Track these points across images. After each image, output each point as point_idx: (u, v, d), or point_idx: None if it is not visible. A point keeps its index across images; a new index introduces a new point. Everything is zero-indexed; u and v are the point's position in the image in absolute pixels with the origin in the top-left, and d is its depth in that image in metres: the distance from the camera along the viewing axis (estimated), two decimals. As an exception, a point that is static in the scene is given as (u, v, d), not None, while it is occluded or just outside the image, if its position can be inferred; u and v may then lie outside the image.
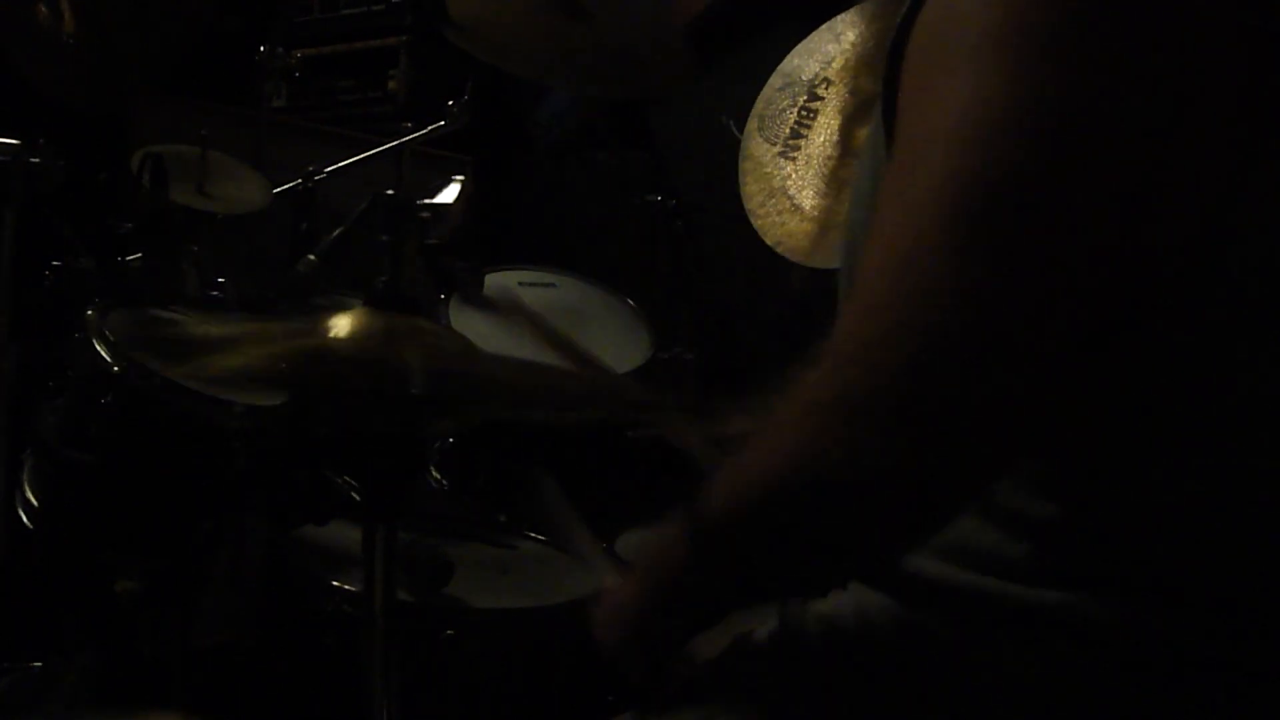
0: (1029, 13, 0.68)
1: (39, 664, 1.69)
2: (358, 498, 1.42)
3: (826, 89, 1.71)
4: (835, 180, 1.67)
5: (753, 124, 1.77)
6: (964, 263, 0.67)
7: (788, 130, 1.73)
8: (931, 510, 0.72)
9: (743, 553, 0.78)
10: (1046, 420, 0.70)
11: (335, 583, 1.47)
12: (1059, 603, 0.75)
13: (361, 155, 2.14)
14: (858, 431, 0.68)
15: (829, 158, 1.69)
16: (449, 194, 1.94)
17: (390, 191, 1.43)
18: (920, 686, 0.81)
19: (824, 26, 1.75)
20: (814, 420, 0.71)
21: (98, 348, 1.48)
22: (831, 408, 0.70)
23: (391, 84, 2.98)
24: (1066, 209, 0.67)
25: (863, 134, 1.67)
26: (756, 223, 1.73)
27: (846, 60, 1.71)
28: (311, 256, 1.90)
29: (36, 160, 1.59)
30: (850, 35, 1.72)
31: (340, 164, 2.11)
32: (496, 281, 2.01)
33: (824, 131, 1.70)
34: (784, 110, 1.74)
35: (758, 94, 1.78)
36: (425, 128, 2.12)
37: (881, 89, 0.77)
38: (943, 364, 0.67)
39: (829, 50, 1.74)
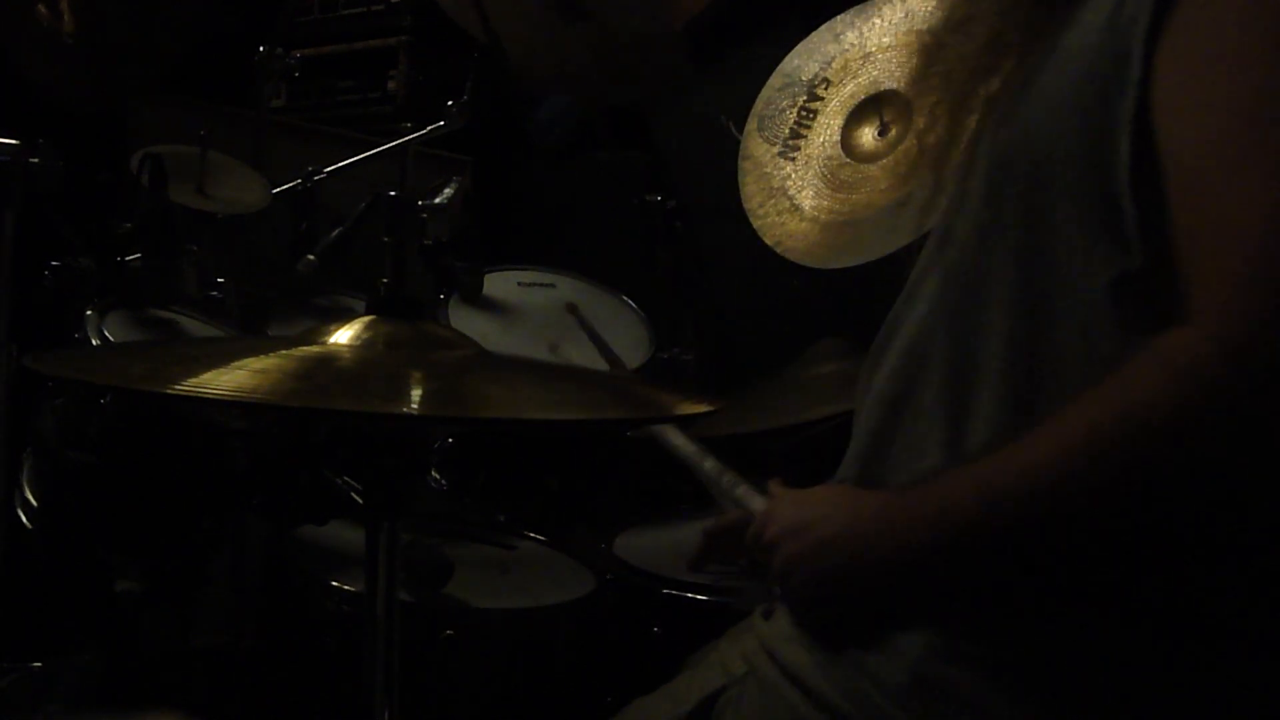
0: None
1: (39, 664, 1.69)
2: (358, 498, 1.42)
3: (826, 89, 1.71)
4: (835, 180, 1.67)
5: (752, 124, 1.77)
6: None
7: (787, 130, 1.73)
8: None
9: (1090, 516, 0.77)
10: None
11: (335, 583, 1.48)
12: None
13: (361, 155, 2.14)
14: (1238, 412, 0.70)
15: (829, 158, 1.69)
16: (448, 194, 1.95)
17: (391, 192, 1.43)
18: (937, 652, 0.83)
19: (824, 26, 1.75)
20: (1172, 391, 0.72)
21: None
22: (1201, 380, 0.72)
23: (391, 84, 2.97)
24: None
25: (864, 134, 1.67)
26: (756, 223, 1.73)
27: (847, 60, 1.71)
28: (311, 256, 1.90)
29: (36, 160, 1.58)
30: (850, 35, 1.72)
31: (340, 164, 2.11)
32: (496, 281, 2.01)
33: (824, 131, 1.70)
34: (784, 110, 1.74)
35: (758, 94, 1.78)
36: (425, 128, 2.12)
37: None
38: None
39: (829, 50, 1.74)
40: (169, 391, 0.81)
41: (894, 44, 1.66)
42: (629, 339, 1.99)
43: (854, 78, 1.70)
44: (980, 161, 0.88)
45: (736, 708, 0.94)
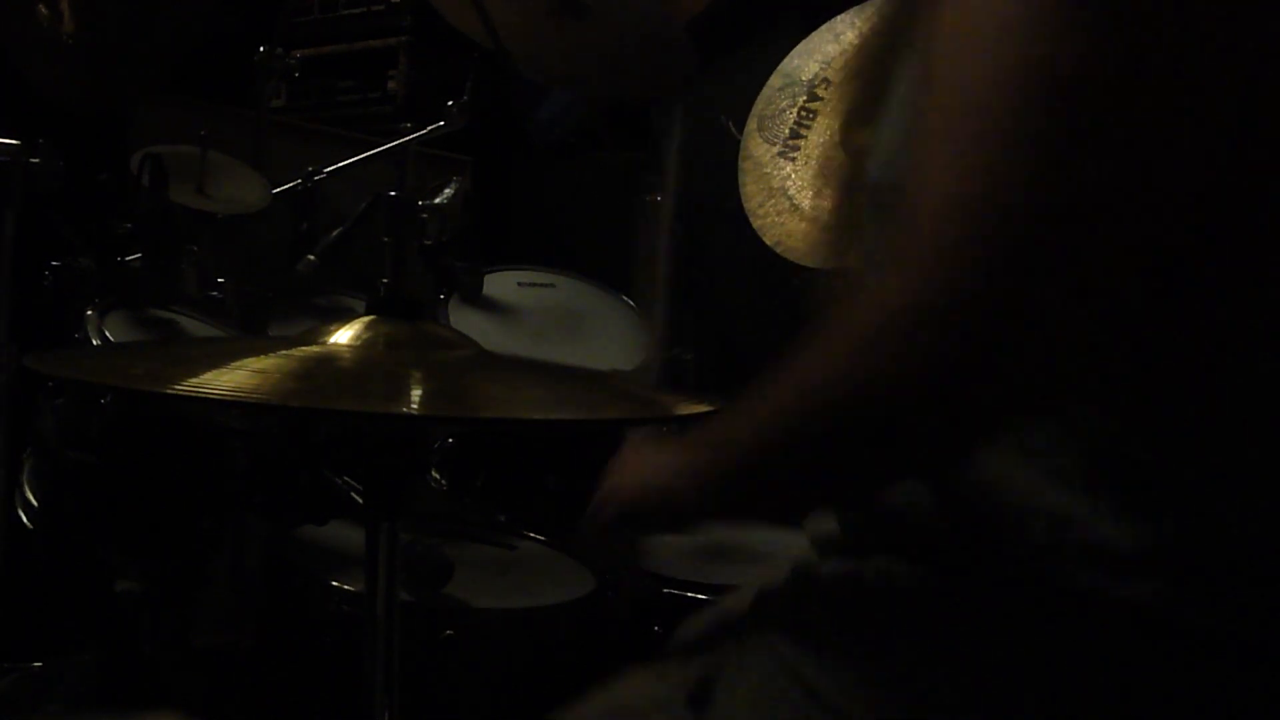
0: None
1: (39, 664, 1.69)
2: (358, 498, 1.42)
3: (826, 89, 1.72)
4: (835, 180, 1.68)
5: (752, 124, 1.77)
6: (1050, 150, 0.66)
7: (787, 130, 1.73)
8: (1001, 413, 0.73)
9: (797, 457, 0.81)
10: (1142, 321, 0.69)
11: (335, 583, 1.48)
12: (1151, 595, 0.77)
13: (361, 155, 2.14)
14: (943, 336, 0.69)
15: (828, 158, 1.69)
16: (448, 194, 1.95)
17: (391, 192, 1.43)
18: (945, 661, 0.82)
19: (824, 26, 1.75)
20: (888, 328, 0.72)
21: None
22: (910, 314, 0.70)
23: (391, 84, 2.98)
24: (1147, 88, 0.66)
25: (862, 136, 1.67)
26: (756, 223, 1.73)
27: (846, 60, 1.71)
28: (311, 256, 1.90)
29: (36, 160, 1.59)
30: (850, 35, 1.72)
31: (340, 164, 2.11)
32: (496, 281, 2.01)
33: (823, 131, 1.70)
34: (784, 110, 1.74)
35: (758, 94, 1.78)
36: (425, 128, 2.12)
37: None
38: (1034, 256, 0.66)
39: (829, 50, 1.74)
40: (169, 391, 0.81)
41: (894, 44, 1.66)
42: (629, 339, 1.99)
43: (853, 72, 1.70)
44: (864, 192, 0.91)
45: (730, 693, 0.94)
